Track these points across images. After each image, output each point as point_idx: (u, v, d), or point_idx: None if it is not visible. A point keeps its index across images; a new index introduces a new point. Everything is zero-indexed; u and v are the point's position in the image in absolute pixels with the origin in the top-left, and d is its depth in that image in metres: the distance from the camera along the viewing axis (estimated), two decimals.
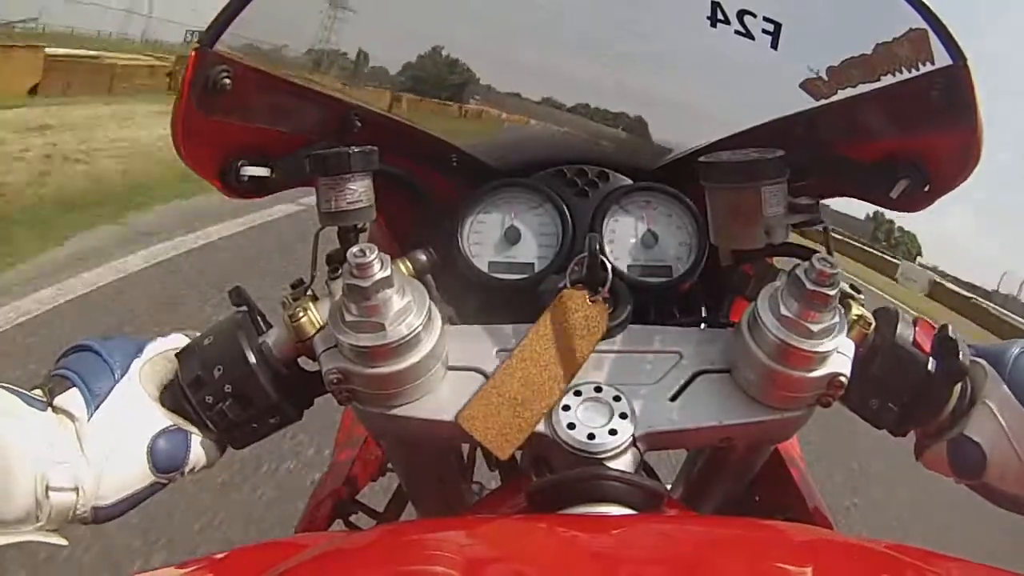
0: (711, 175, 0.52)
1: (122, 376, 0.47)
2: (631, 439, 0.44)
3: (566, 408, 0.45)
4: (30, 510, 0.42)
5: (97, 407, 0.45)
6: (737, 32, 0.49)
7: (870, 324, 0.49)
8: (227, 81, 0.48)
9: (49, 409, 0.44)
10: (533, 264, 0.61)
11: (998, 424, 0.47)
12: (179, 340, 0.52)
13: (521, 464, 0.66)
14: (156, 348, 0.50)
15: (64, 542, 0.44)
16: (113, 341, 0.49)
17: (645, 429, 0.45)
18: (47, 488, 0.42)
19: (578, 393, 0.46)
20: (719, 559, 0.35)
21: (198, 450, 0.49)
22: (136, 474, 0.46)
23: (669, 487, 0.71)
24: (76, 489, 0.44)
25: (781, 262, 0.55)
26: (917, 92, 0.47)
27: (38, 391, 0.46)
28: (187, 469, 0.49)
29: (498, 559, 0.36)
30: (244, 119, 0.52)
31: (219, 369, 0.48)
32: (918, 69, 0.46)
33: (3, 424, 0.41)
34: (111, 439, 0.45)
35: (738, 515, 0.66)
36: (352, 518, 0.81)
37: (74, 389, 0.45)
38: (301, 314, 0.49)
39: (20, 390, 0.44)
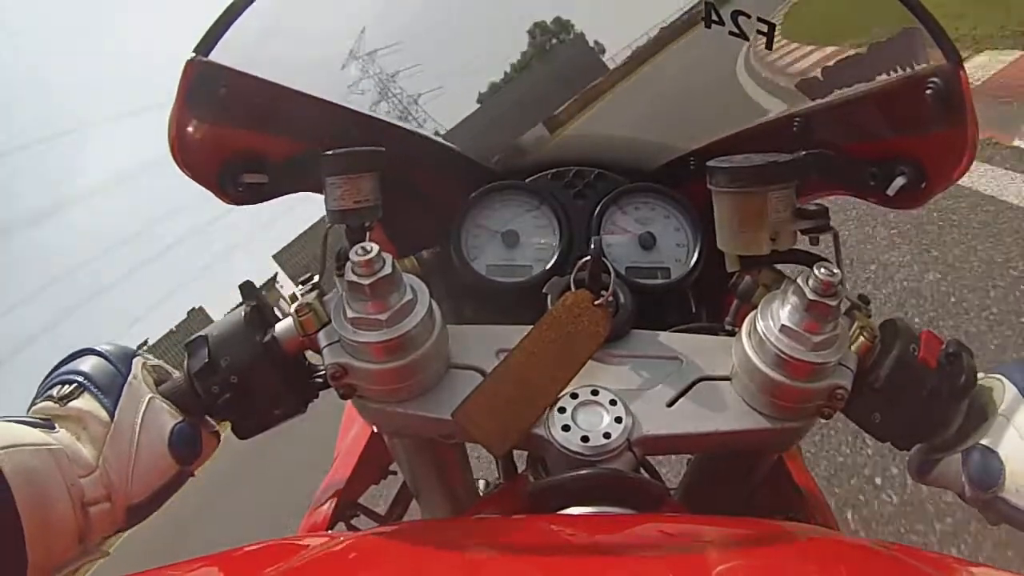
0: (718, 179, 0.51)
1: (127, 374, 0.48)
2: (626, 443, 0.44)
3: (562, 410, 0.45)
4: (72, 534, 0.42)
5: (115, 405, 0.46)
6: (732, 33, 0.49)
7: (875, 336, 0.48)
8: (222, 90, 0.48)
9: (57, 424, 0.45)
10: (531, 267, 0.61)
11: (1017, 435, 0.45)
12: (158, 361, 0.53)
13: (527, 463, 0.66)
14: (145, 357, 0.51)
15: (107, 554, 0.45)
16: (108, 345, 0.50)
17: (640, 433, 0.45)
18: (83, 504, 0.43)
19: (575, 395, 0.46)
20: (720, 559, 0.35)
21: (207, 440, 0.50)
22: (161, 466, 0.47)
23: (673, 491, 0.71)
24: (109, 496, 0.44)
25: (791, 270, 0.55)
26: (912, 91, 0.47)
27: (49, 403, 0.46)
28: (201, 458, 0.50)
29: (498, 559, 0.35)
30: (240, 127, 0.52)
31: (226, 360, 0.49)
32: (913, 69, 0.47)
33: (25, 457, 0.40)
34: (133, 435, 0.46)
35: (740, 515, 0.66)
36: (354, 521, 0.82)
37: (86, 394, 0.46)
38: (307, 308, 0.49)
39: (20, 418, 0.44)
